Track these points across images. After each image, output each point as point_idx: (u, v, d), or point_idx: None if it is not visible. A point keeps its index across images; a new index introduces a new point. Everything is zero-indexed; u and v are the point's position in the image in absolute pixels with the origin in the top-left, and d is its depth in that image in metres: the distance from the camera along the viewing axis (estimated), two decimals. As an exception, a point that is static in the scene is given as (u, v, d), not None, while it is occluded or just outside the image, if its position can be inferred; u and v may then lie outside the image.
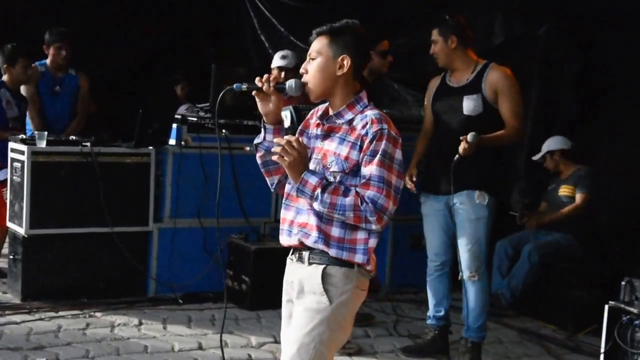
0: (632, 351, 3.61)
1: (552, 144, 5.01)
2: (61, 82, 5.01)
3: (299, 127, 2.37)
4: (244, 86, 2.26)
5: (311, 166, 2.22)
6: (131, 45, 7.17)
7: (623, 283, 3.73)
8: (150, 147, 4.58)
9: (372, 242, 2.21)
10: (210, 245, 4.70)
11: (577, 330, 4.46)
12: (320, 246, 2.20)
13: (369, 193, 2.12)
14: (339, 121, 2.23)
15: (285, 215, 2.31)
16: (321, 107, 2.33)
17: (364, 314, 4.18)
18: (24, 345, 3.69)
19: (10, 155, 4.51)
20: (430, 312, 3.95)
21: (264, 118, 2.29)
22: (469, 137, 3.53)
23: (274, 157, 2.18)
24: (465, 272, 3.73)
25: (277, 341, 3.99)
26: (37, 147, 4.35)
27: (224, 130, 4.76)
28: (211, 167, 4.71)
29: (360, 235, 2.20)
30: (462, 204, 3.70)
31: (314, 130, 2.29)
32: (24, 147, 4.34)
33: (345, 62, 2.21)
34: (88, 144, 4.43)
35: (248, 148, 4.88)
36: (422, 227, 3.96)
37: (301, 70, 2.28)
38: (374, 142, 2.14)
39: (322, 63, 2.22)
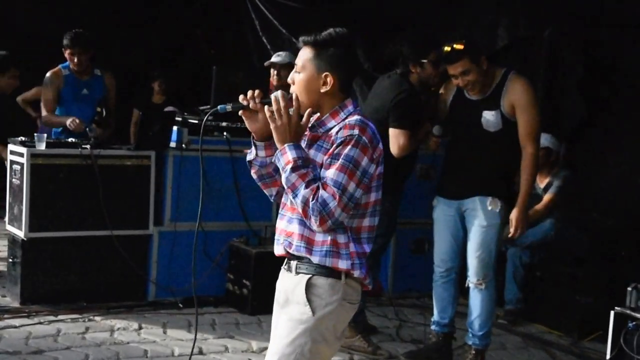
0: (638, 358, 3.57)
1: (544, 139, 4.94)
2: (87, 85, 4.89)
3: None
4: (229, 107, 2.19)
5: None
6: (131, 49, 7.17)
7: (629, 289, 3.69)
8: (151, 150, 4.55)
9: (352, 247, 2.14)
10: (211, 249, 4.67)
11: (582, 336, 4.42)
12: (303, 253, 2.15)
13: (323, 193, 2.06)
14: (321, 130, 2.19)
15: (279, 224, 2.26)
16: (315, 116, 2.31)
17: (366, 327, 4.12)
18: (23, 349, 3.66)
19: (10, 157, 4.48)
20: (435, 318, 3.91)
21: (254, 135, 2.23)
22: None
23: (267, 113, 2.12)
24: (472, 279, 3.69)
25: (278, 346, 3.95)
26: (36, 149, 4.32)
27: (224, 133, 4.73)
28: (212, 170, 4.68)
29: (341, 239, 2.13)
30: (473, 209, 3.66)
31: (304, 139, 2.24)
32: (23, 150, 4.31)
33: (328, 80, 2.15)
34: (88, 146, 4.40)
35: (248, 151, 4.84)
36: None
37: (289, 80, 2.23)
38: (341, 145, 2.09)
39: (306, 78, 2.17)
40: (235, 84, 4.84)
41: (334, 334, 2.18)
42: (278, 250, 2.27)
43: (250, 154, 2.26)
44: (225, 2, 7.96)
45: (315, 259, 2.14)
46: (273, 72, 5.23)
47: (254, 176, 2.28)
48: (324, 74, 2.15)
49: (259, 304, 4.42)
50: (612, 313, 3.69)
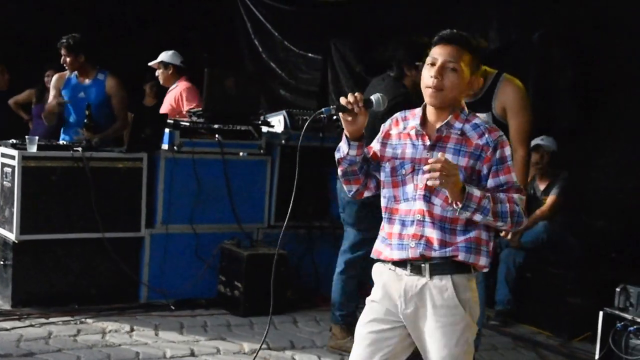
0: (626, 357, 3.60)
1: (547, 142, 4.98)
2: (85, 89, 4.92)
3: (380, 139, 2.38)
4: (333, 110, 2.27)
5: (424, 176, 2.21)
6: (124, 52, 7.16)
7: (617, 290, 3.73)
8: (143, 152, 4.55)
9: (491, 246, 2.30)
10: (203, 251, 4.67)
11: (571, 336, 4.45)
12: (449, 253, 2.24)
13: (515, 196, 2.23)
14: (450, 131, 2.27)
15: (390, 229, 2.33)
16: (402, 117, 2.38)
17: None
18: (14, 352, 3.65)
19: (1, 160, 4.47)
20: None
21: (348, 135, 2.31)
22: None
23: (431, 182, 2.15)
24: None
25: (269, 347, 3.96)
26: (27, 151, 4.31)
27: (217, 135, 4.74)
28: (204, 172, 4.68)
29: (484, 236, 2.27)
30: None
31: (410, 140, 2.31)
32: (14, 152, 4.30)
33: (475, 83, 2.30)
34: (79, 148, 4.40)
35: (242, 153, 4.86)
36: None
37: (434, 75, 2.25)
38: (498, 149, 2.24)
39: (462, 78, 2.26)
40: (227, 87, 4.86)
41: (478, 315, 2.34)
42: (400, 254, 2.29)
43: (339, 152, 2.35)
44: (218, 4, 7.97)
45: (460, 257, 2.25)
46: (162, 70, 5.45)
47: (340, 172, 2.38)
48: (475, 76, 2.29)
49: (251, 305, 4.43)
50: (600, 314, 3.72)
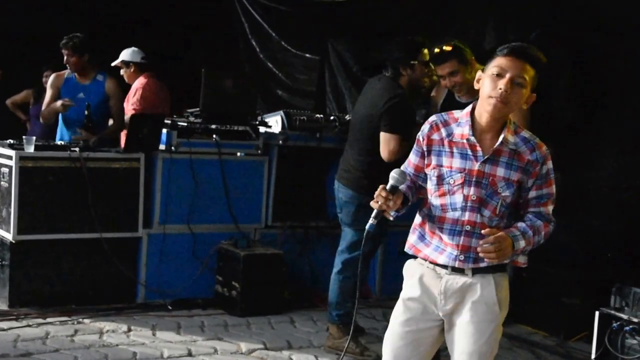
0: (622, 357, 3.61)
1: None
2: (85, 90, 4.92)
3: (423, 147, 2.36)
4: (375, 222, 2.32)
5: (478, 191, 2.26)
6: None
7: (613, 289, 3.74)
8: (140, 153, 4.55)
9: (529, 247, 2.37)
10: (200, 251, 4.68)
11: (568, 336, 4.45)
12: (495, 262, 2.29)
13: (548, 209, 2.35)
14: (508, 147, 2.28)
15: (434, 229, 2.35)
16: (442, 122, 2.34)
17: (354, 328, 4.14)
18: (11, 352, 3.66)
19: (-2, 160, 4.48)
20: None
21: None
22: None
23: (489, 258, 2.24)
24: None
25: (266, 347, 3.97)
26: (25, 152, 4.31)
27: (214, 136, 4.74)
28: (201, 172, 4.69)
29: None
30: None
31: (458, 149, 2.29)
32: (11, 152, 4.31)
33: (530, 100, 2.29)
34: (77, 149, 4.40)
35: (239, 154, 4.87)
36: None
37: (504, 88, 2.23)
38: (546, 163, 2.31)
39: (524, 95, 2.27)
40: (224, 87, 4.86)
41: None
42: (447, 261, 2.32)
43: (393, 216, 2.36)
44: (216, 5, 7.97)
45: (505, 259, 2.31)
46: (125, 69, 5.49)
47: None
48: (532, 94, 2.29)
49: (248, 305, 4.45)
50: (597, 313, 3.74)
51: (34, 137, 4.46)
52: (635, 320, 3.63)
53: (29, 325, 4.04)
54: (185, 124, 4.77)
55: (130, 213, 4.53)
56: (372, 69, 4.96)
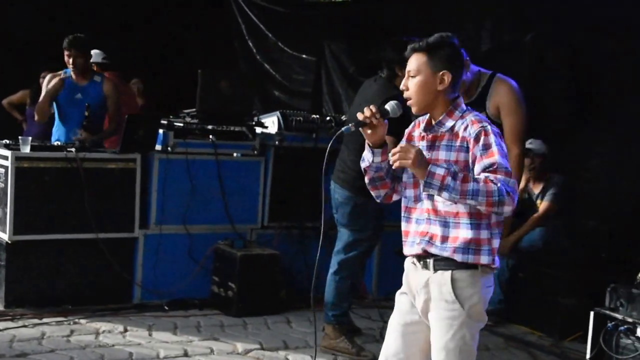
0: (617, 357, 3.63)
1: (536, 145, 5.00)
2: (82, 90, 4.87)
3: (403, 142, 2.47)
4: (353, 127, 2.37)
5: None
6: (118, 52, 7.15)
7: (608, 290, 3.75)
8: (136, 153, 4.55)
9: (495, 243, 2.34)
10: (196, 251, 4.68)
11: (563, 336, 4.47)
12: (446, 254, 2.33)
13: (499, 176, 2.24)
14: (442, 129, 2.37)
15: (407, 227, 2.45)
16: (422, 119, 2.46)
17: (350, 328, 4.15)
18: (7, 352, 3.65)
19: (-6, 160, 4.47)
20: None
21: (371, 144, 2.40)
22: None
23: (395, 165, 2.29)
24: None
25: (263, 348, 3.98)
26: (21, 152, 4.31)
27: (211, 136, 4.75)
28: (198, 173, 4.69)
29: (484, 235, 2.32)
30: None
31: (419, 142, 2.42)
32: (7, 153, 4.30)
33: (445, 77, 2.35)
34: (73, 149, 4.40)
35: (235, 154, 4.87)
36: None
37: (402, 87, 2.39)
38: (482, 137, 2.28)
39: (423, 80, 2.35)
40: (221, 88, 4.87)
41: (483, 315, 2.39)
42: (411, 250, 2.42)
43: (365, 162, 2.44)
44: (213, 6, 7.98)
45: (458, 258, 2.31)
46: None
47: (367, 179, 2.47)
48: (441, 72, 2.34)
49: (244, 306, 4.45)
50: (591, 314, 3.75)
51: (30, 138, 4.46)
52: (629, 320, 3.64)
53: (24, 326, 4.03)
54: (182, 125, 4.78)
55: (127, 213, 4.52)
56: (368, 69, 4.98)
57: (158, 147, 4.65)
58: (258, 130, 4.95)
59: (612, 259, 4.67)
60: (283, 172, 4.92)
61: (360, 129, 2.38)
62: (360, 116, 2.36)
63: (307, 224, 4.90)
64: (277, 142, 4.90)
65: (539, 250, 4.82)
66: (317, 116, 5.25)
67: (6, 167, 4.30)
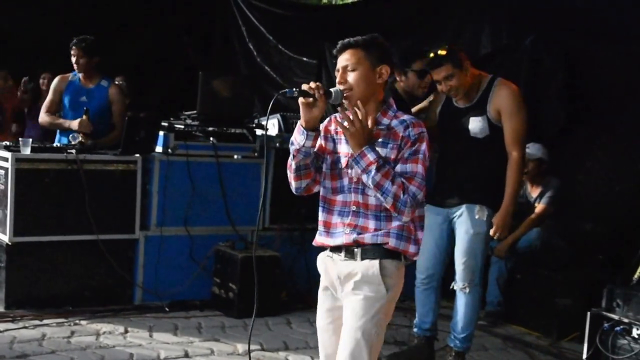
0: (613, 357, 3.66)
1: (532, 150, 5.02)
2: (88, 94, 4.88)
3: (322, 134, 2.49)
4: (295, 92, 2.37)
5: (359, 172, 2.36)
6: (118, 53, 7.18)
7: (605, 290, 3.78)
8: (137, 155, 4.58)
9: (420, 235, 2.43)
10: (197, 253, 4.70)
11: (560, 337, 4.50)
12: (379, 240, 2.37)
13: (412, 188, 2.33)
14: (378, 127, 2.40)
15: (327, 218, 2.47)
16: (339, 115, 2.47)
17: None
18: (8, 354, 3.66)
19: (-5, 162, 4.49)
20: (417, 321, 3.96)
21: (304, 124, 2.40)
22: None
23: (342, 121, 2.34)
24: (458, 283, 3.75)
25: (263, 349, 4.00)
26: (21, 154, 4.33)
27: (211, 138, 4.77)
28: (198, 175, 4.72)
29: (412, 225, 2.41)
30: (461, 217, 3.71)
31: (342, 137, 2.44)
32: (7, 154, 4.32)
33: (384, 71, 2.41)
34: (73, 151, 4.42)
35: (236, 156, 4.89)
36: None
37: (339, 80, 2.42)
38: (417, 143, 2.36)
39: (364, 73, 2.40)
40: (221, 90, 4.89)
41: (392, 309, 2.46)
42: (333, 241, 2.44)
43: (294, 144, 2.43)
44: (213, 8, 8.01)
45: (392, 243, 2.37)
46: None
47: (293, 165, 2.46)
48: (379, 66, 2.40)
49: (245, 307, 4.45)
50: (588, 314, 3.78)
51: (30, 139, 4.48)
52: (625, 320, 3.67)
53: (25, 327, 4.05)
54: (182, 127, 4.80)
55: (127, 215, 4.54)
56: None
57: (159, 149, 4.67)
58: (258, 132, 4.97)
59: (608, 260, 4.69)
60: (283, 174, 4.93)
61: (300, 99, 2.35)
62: (305, 86, 2.36)
63: (308, 225, 4.93)
64: (277, 144, 4.93)
65: (537, 251, 4.84)
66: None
67: (6, 169, 4.31)
